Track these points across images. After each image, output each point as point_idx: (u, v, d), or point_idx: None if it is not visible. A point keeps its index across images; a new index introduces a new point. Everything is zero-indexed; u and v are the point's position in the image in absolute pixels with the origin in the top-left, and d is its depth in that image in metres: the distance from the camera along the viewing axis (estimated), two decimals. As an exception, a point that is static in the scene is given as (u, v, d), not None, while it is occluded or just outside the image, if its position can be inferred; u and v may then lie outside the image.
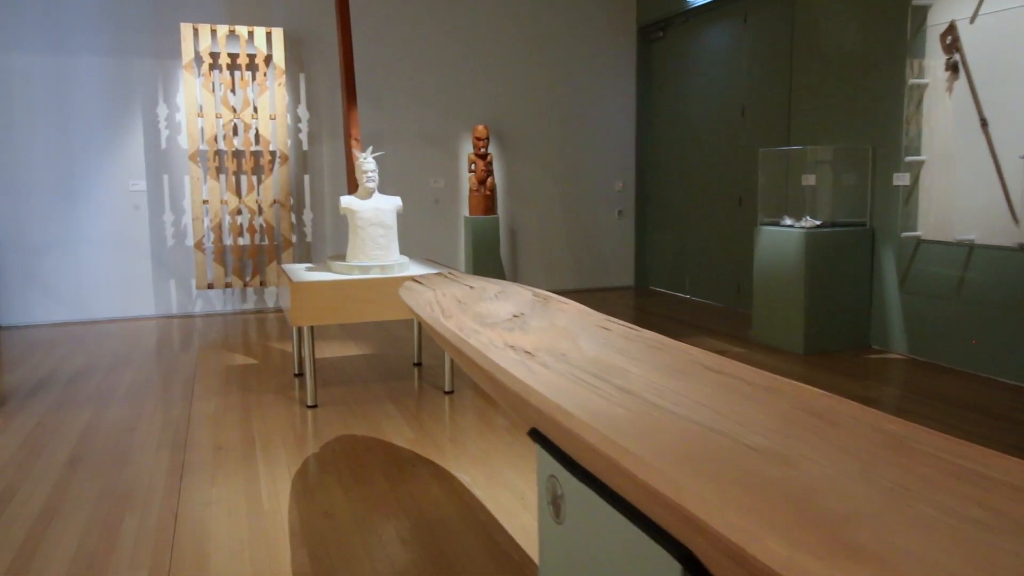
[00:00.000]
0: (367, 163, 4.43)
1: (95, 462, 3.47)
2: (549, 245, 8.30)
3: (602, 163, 8.41)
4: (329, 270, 4.49)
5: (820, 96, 5.88)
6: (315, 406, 4.26)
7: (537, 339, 2.47)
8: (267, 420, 4.04)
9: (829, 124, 5.81)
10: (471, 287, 2.88)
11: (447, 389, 4.52)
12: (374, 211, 4.41)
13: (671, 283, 8.22)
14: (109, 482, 3.24)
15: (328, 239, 7.53)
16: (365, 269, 4.31)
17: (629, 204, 8.58)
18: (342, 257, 4.59)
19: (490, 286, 2.90)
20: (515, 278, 8.21)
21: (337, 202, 7.44)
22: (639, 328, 2.25)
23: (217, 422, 4.02)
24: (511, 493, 3.09)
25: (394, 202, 4.52)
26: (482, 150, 7.64)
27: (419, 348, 5.20)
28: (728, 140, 7.16)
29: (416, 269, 4.53)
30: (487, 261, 7.70)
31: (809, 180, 5.90)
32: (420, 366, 5.17)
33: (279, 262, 7.20)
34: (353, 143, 4.79)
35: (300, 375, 4.92)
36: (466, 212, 7.92)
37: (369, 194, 4.45)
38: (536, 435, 1.59)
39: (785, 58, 6.32)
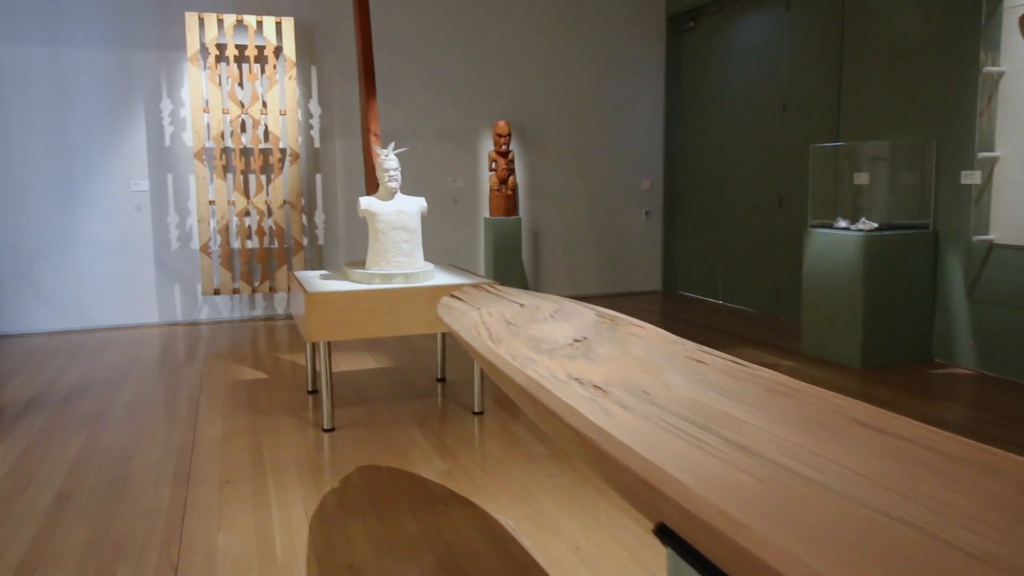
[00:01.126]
0: (389, 161, 4.01)
1: (86, 499, 3.06)
2: (573, 248, 7.88)
3: (628, 161, 7.98)
4: (347, 278, 4.08)
5: (874, 88, 5.44)
6: (332, 429, 3.85)
7: (608, 371, 2.05)
8: (279, 447, 3.63)
9: (884, 118, 5.36)
10: (520, 304, 2.47)
11: (476, 409, 4.10)
12: (397, 213, 3.99)
13: (702, 288, 7.78)
14: (101, 525, 2.83)
15: (341, 242, 7.12)
16: (387, 278, 3.90)
17: (657, 204, 8.15)
18: (361, 264, 4.17)
19: (543, 303, 2.48)
20: (537, 282, 7.79)
21: (352, 203, 7.04)
22: (748, 363, 1.82)
23: (224, 449, 3.61)
24: (563, 542, 2.67)
25: (418, 203, 4.10)
26: (503, 147, 7.22)
27: (443, 362, 4.78)
28: (767, 136, 6.72)
29: (442, 277, 4.12)
30: (508, 265, 7.28)
31: (861, 179, 5.47)
32: (444, 381, 4.76)
33: (290, 266, 6.80)
34: (372, 139, 4.38)
35: (314, 392, 4.52)
36: (486, 213, 7.50)
37: (391, 195, 4.03)
38: (666, 533, 1.16)
39: (834, 47, 5.87)
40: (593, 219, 7.92)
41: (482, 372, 4.05)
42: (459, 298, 2.61)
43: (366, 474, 3.30)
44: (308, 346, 4.50)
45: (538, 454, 3.50)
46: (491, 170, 7.30)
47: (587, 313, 2.37)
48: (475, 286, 2.84)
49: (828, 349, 5.13)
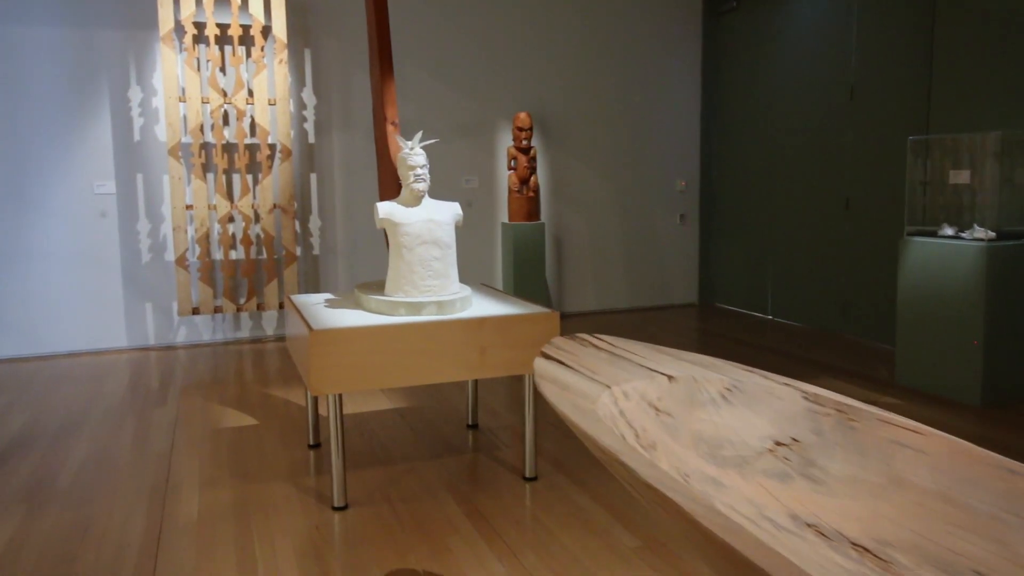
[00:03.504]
0: (415, 156, 3.11)
1: (1, 638, 2.14)
2: (600, 256, 6.99)
3: (661, 158, 7.10)
4: (360, 307, 3.18)
5: (977, 69, 4.59)
6: (344, 507, 2.94)
7: (866, 512, 1.18)
8: (275, 536, 2.72)
9: (990, 105, 4.52)
10: (668, 377, 1.57)
11: (528, 474, 3.20)
12: (426, 224, 3.09)
13: (746, 300, 6.92)
14: None
15: (340, 253, 6.20)
16: (415, 307, 2.99)
17: (692, 207, 7.28)
18: (377, 287, 3.27)
19: (705, 374, 1.58)
20: (561, 297, 6.90)
21: (353, 206, 6.12)
22: None
23: (200, 540, 2.69)
24: None
25: (452, 210, 3.20)
26: (524, 143, 6.32)
27: (473, 403, 3.89)
28: (830, 129, 5.86)
29: (485, 305, 3.22)
30: (530, 277, 6.38)
31: (961, 177, 4.62)
32: (476, 429, 3.86)
33: (280, 281, 5.87)
34: (389, 129, 3.47)
35: (317, 446, 3.61)
36: (504, 217, 6.61)
37: (418, 199, 3.13)
38: None
39: (922, 22, 5.02)
40: (622, 224, 7.04)
41: (535, 425, 3.16)
42: (562, 362, 1.71)
43: (398, 585, 2.40)
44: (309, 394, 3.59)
45: (627, 548, 2.61)
46: (510, 168, 6.40)
47: (785, 393, 1.48)
48: (572, 338, 1.93)
49: (935, 382, 4.27)
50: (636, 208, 7.07)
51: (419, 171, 3.10)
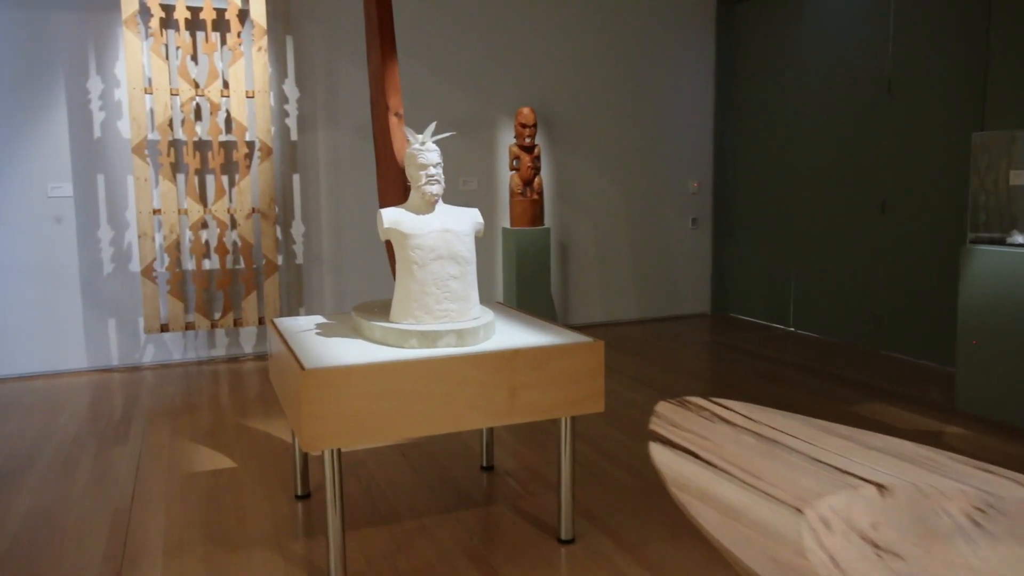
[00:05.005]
0: (427, 153, 2.57)
1: None
2: (607, 263, 6.47)
3: (672, 157, 6.60)
4: (361, 335, 2.62)
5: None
6: (344, 585, 2.38)
7: None
8: (259, 632, 2.16)
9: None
10: (879, 488, 1.04)
11: (564, 536, 2.66)
12: (441, 235, 2.54)
13: (764, 311, 6.43)
14: None
15: (326, 262, 5.62)
16: (430, 337, 2.44)
17: (705, 210, 6.78)
18: (380, 310, 2.72)
19: (926, 476, 1.06)
20: (566, 308, 6.37)
21: (340, 209, 5.55)
22: None
23: (164, 640, 2.13)
24: None
25: (471, 218, 2.66)
26: (528, 141, 5.79)
27: (488, 440, 3.34)
28: (864, 125, 5.38)
29: (511, 332, 2.67)
30: (534, 288, 5.85)
31: (1021, 177, 4.16)
32: (492, 471, 3.32)
33: (259, 294, 5.29)
34: (392, 120, 2.92)
35: (306, 496, 3.05)
36: (506, 222, 6.07)
37: (430, 205, 2.58)
38: None
39: (976, 7, 4.55)
40: (631, 228, 6.53)
41: (572, 472, 2.61)
42: (694, 453, 1.17)
43: None
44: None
45: (704, 645, 2.08)
46: (512, 169, 5.87)
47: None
48: (683, 405, 1.38)
49: (1003, 408, 3.79)
50: (646, 211, 6.56)
51: (432, 171, 2.56)
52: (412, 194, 2.61)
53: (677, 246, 6.70)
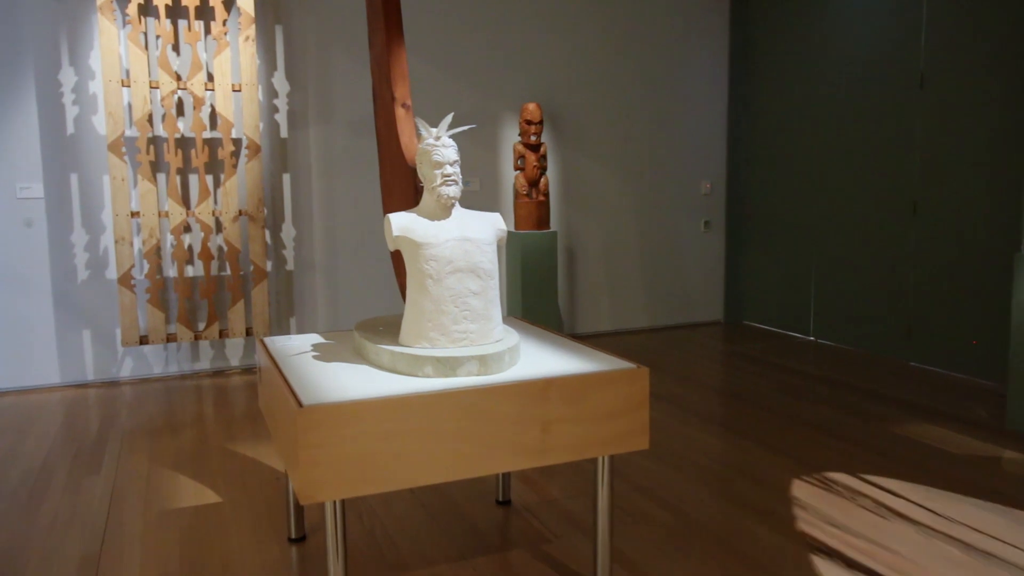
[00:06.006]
0: (443, 150, 2.21)
1: None
2: (615, 268, 6.13)
3: (683, 156, 6.27)
4: (363, 357, 2.27)
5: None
6: (348, 658, 2.02)
7: None
8: None
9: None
10: None
11: (601, 590, 2.31)
12: (460, 244, 2.18)
13: (782, 319, 6.11)
14: None
15: (319, 268, 5.25)
16: (448, 364, 2.09)
17: (718, 211, 6.45)
18: (386, 329, 2.36)
19: None
20: (573, 316, 6.02)
21: (334, 211, 5.19)
22: None
23: None
24: None
25: (492, 225, 2.31)
26: (534, 138, 5.44)
27: (504, 473, 2.98)
28: (893, 122, 5.07)
29: (534, 354, 2.32)
30: (541, 296, 5.50)
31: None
32: (510, 506, 2.96)
33: (247, 303, 4.92)
34: (399, 112, 2.56)
35: (301, 540, 2.69)
36: (510, 226, 5.71)
37: (447, 210, 2.23)
38: None
39: (1015, -3, 4.25)
40: (639, 231, 6.19)
41: (610, 517, 2.27)
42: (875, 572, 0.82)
43: None
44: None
45: None
46: (517, 168, 5.52)
47: None
48: (824, 483, 1.11)
49: (1064, 431, 3.48)
50: (655, 213, 6.23)
51: (449, 169, 2.20)
52: (425, 196, 2.25)
53: (688, 250, 6.37)
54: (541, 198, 5.51)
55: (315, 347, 2.46)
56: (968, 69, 4.56)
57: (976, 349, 4.54)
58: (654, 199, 6.20)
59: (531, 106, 5.42)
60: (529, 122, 5.42)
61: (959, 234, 4.65)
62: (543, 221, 5.54)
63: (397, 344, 2.21)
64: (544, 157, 5.50)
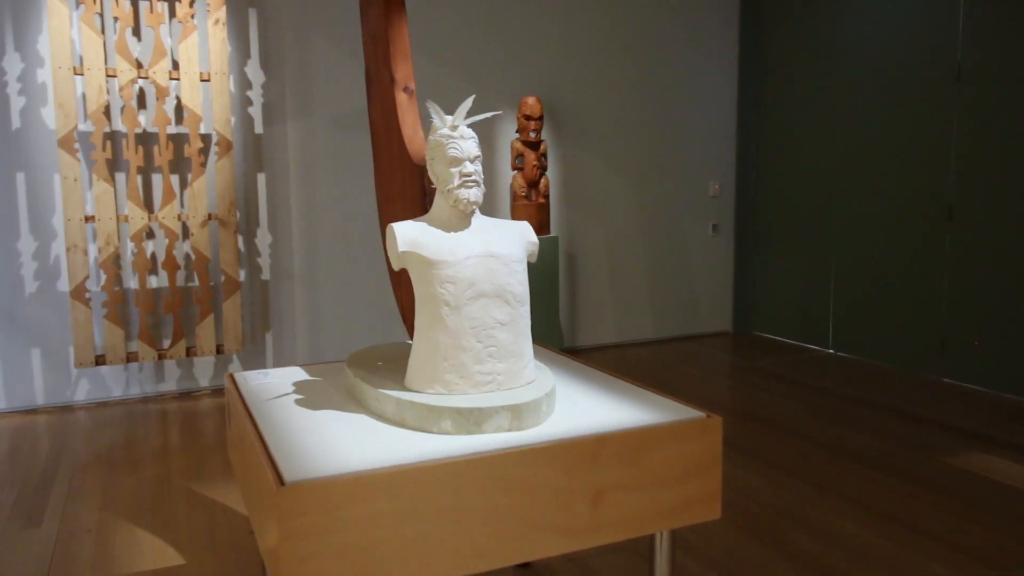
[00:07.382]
0: (462, 143, 1.76)
1: None
2: (619, 276, 5.69)
3: (690, 156, 5.85)
4: (359, 403, 1.80)
5: None
6: None
7: None
8: None
9: None
10: None
11: None
12: (484, 263, 1.72)
13: (797, 330, 5.71)
14: None
15: (297, 278, 4.76)
16: (472, 417, 1.62)
17: (727, 215, 6.04)
18: (390, 365, 1.89)
19: None
20: (573, 327, 5.58)
21: (313, 215, 4.70)
22: None
23: None
24: None
25: (521, 236, 1.85)
26: (533, 136, 4.99)
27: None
28: (927, 120, 4.68)
29: (574, 399, 1.86)
30: (542, 307, 5.03)
31: None
32: (528, 569, 2.51)
33: (218, 318, 4.42)
34: (401, 98, 2.10)
35: (280, 619, 2.20)
36: (507, 230, 5.24)
37: (466, 218, 1.77)
38: None
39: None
40: (644, 235, 5.76)
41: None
42: None
43: None
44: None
45: None
46: (515, 168, 5.06)
47: None
48: None
49: None
50: (661, 216, 5.80)
51: (469, 167, 1.75)
52: (437, 201, 1.80)
53: (695, 255, 5.95)
54: (541, 200, 5.06)
55: (297, 388, 1.98)
56: (1012, 60, 4.18)
57: (1019, 364, 4.16)
58: (659, 200, 5.77)
59: (530, 100, 4.96)
60: (528, 117, 4.96)
61: (999, 241, 4.27)
62: (543, 225, 5.09)
63: (403, 388, 1.75)
64: (544, 156, 5.05)
